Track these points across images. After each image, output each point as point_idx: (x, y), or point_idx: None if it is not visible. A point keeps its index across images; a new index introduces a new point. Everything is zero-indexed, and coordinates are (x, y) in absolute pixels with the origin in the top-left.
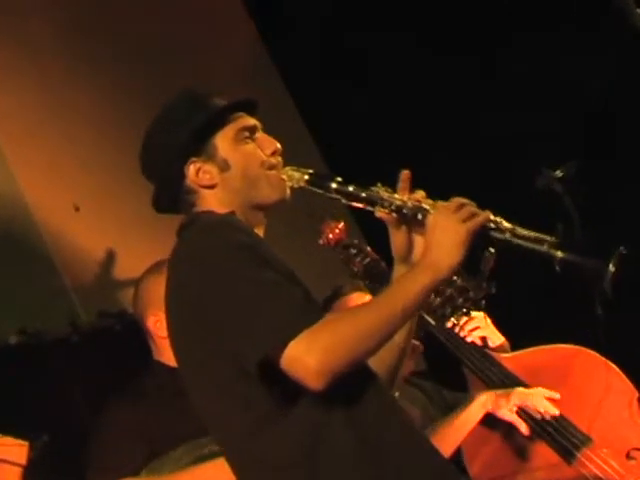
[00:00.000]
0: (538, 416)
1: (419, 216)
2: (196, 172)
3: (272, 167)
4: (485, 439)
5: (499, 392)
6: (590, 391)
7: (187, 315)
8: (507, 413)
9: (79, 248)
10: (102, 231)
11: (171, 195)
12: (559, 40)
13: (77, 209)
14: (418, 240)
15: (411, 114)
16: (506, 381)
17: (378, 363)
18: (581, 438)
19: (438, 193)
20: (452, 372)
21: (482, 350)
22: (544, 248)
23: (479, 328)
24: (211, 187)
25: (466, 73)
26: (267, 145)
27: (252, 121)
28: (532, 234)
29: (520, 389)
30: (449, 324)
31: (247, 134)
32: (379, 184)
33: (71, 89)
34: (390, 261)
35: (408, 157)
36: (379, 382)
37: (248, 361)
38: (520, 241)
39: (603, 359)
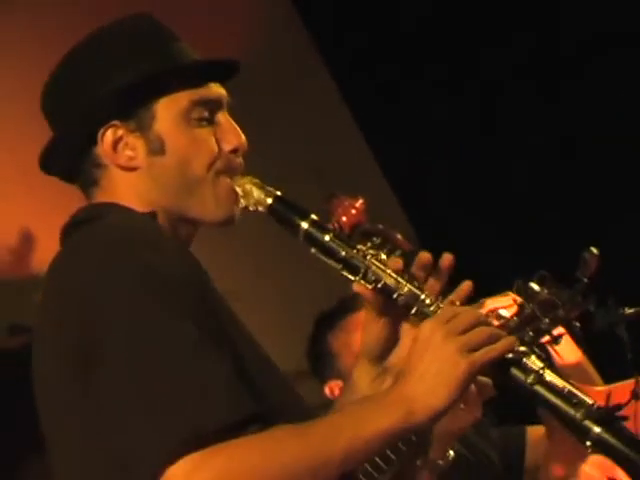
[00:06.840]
0: None
1: (413, 310)
2: (114, 142)
3: (226, 170)
4: None
5: None
6: None
7: (62, 376)
8: None
9: None
10: (14, 206)
11: (68, 158)
12: None
13: None
14: (405, 334)
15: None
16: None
17: None
18: None
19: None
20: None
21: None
22: (577, 415)
23: None
24: (129, 169)
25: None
26: (229, 136)
27: (218, 92)
28: (567, 387)
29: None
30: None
31: (205, 112)
32: (376, 239)
33: None
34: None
35: None
36: None
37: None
38: (546, 393)
39: None
